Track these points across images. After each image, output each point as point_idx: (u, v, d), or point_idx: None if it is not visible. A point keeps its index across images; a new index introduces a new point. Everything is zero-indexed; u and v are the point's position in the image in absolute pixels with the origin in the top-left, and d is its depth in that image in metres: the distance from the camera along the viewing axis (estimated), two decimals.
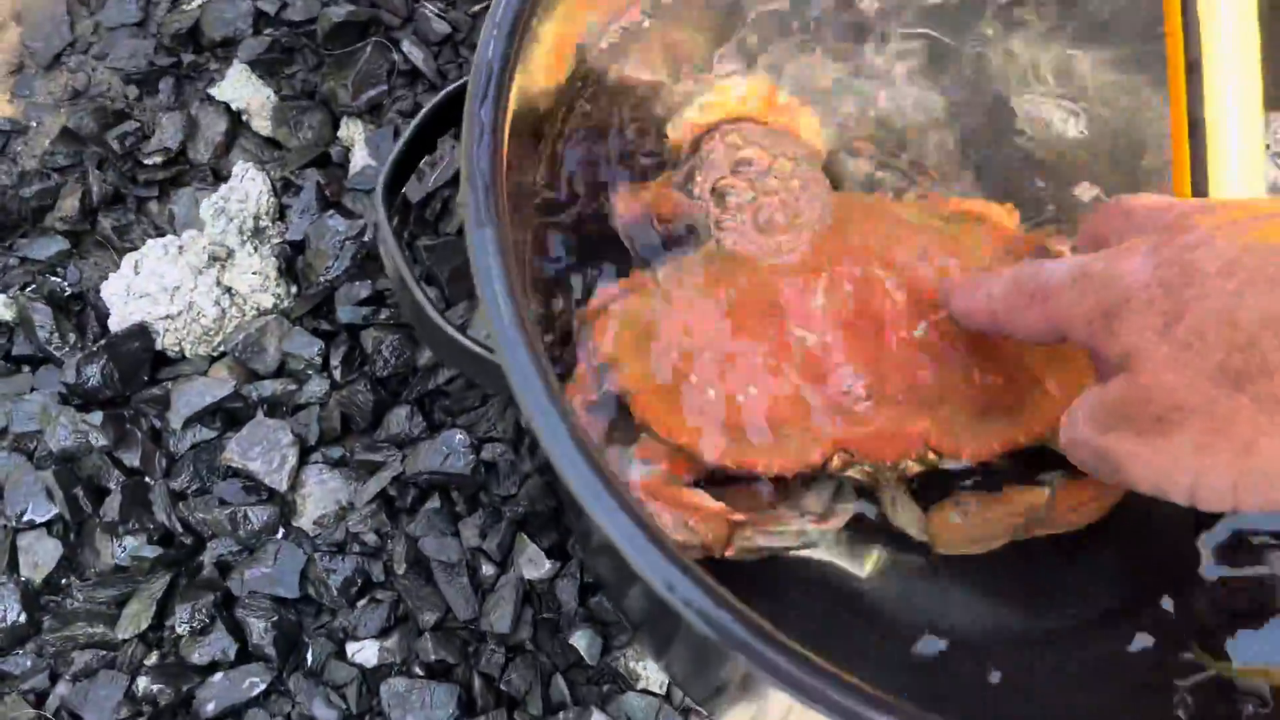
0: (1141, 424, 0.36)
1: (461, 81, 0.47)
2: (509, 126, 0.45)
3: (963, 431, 0.48)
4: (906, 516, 0.50)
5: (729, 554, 0.48)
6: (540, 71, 0.51)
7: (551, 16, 0.48)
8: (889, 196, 0.56)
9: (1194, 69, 0.47)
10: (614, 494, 0.38)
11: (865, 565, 0.51)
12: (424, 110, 0.48)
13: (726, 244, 0.51)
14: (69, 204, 0.77)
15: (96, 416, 0.69)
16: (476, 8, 0.82)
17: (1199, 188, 0.47)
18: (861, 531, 0.51)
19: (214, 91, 0.80)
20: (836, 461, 0.48)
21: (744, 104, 0.56)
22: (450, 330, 0.46)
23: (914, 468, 0.48)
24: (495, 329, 0.40)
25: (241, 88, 0.80)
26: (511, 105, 0.45)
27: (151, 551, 0.67)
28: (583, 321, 0.52)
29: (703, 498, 0.48)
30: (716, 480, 0.49)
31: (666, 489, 0.48)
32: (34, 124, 0.80)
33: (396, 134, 0.78)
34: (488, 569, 0.66)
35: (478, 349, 0.46)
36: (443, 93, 0.49)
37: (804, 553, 0.50)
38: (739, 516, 0.47)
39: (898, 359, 0.48)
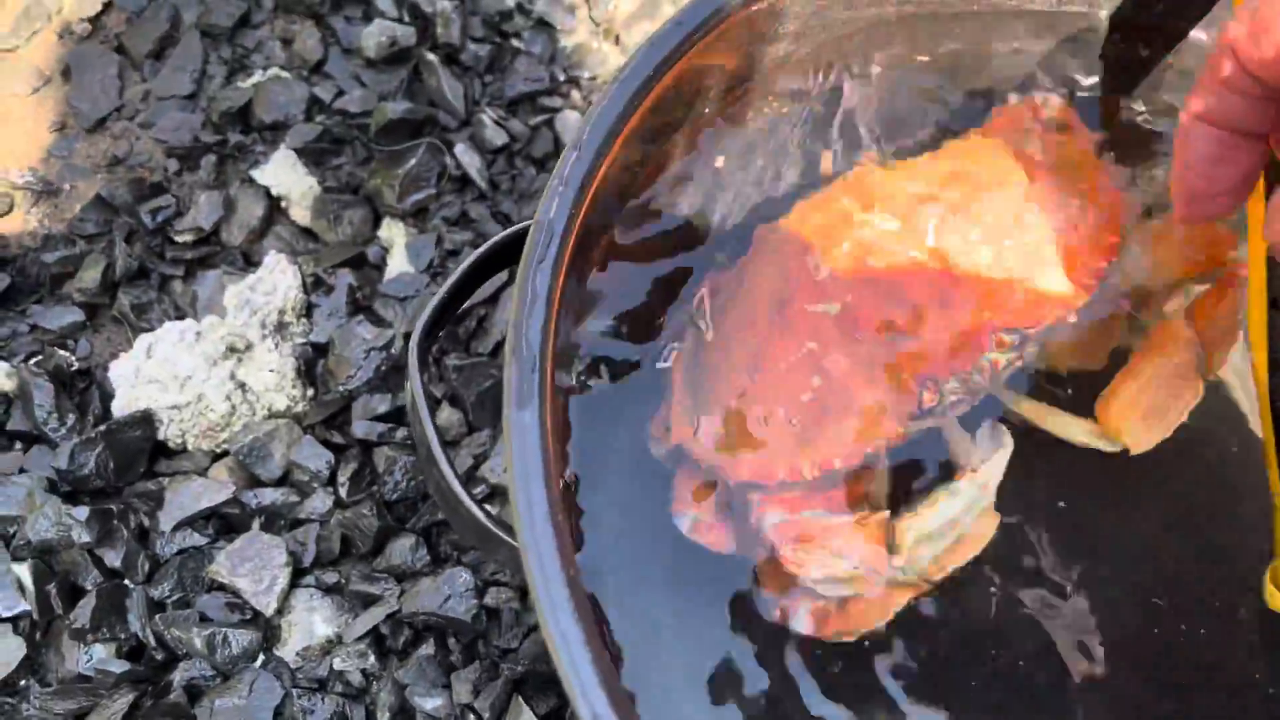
0: None
1: (512, 230, 0.43)
2: (564, 295, 0.41)
3: (1022, 303, 0.47)
4: (1076, 428, 0.48)
5: (901, 562, 0.45)
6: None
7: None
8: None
9: None
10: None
11: None
12: (470, 259, 0.44)
13: None
14: (90, 275, 0.73)
15: (82, 511, 0.64)
16: (537, 119, 0.80)
17: None
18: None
19: (256, 174, 0.77)
20: (927, 395, 0.47)
21: None
22: (472, 507, 0.42)
23: (1000, 359, 0.48)
24: (523, 533, 0.36)
25: (285, 174, 0.77)
26: (567, 272, 0.41)
27: (118, 666, 0.62)
28: (658, 434, 0.50)
29: (836, 516, 0.46)
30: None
31: (796, 528, 0.46)
32: (67, 186, 0.77)
33: (439, 241, 0.75)
34: None
35: (505, 536, 0.41)
36: (492, 240, 0.45)
37: None
38: (882, 514, 0.46)
39: (920, 277, 0.48)
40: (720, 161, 0.55)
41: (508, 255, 0.45)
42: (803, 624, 0.46)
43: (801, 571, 0.46)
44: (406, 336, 0.71)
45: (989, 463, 0.47)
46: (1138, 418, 0.48)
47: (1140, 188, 0.54)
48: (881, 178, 0.52)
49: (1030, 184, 0.51)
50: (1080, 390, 0.51)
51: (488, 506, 0.49)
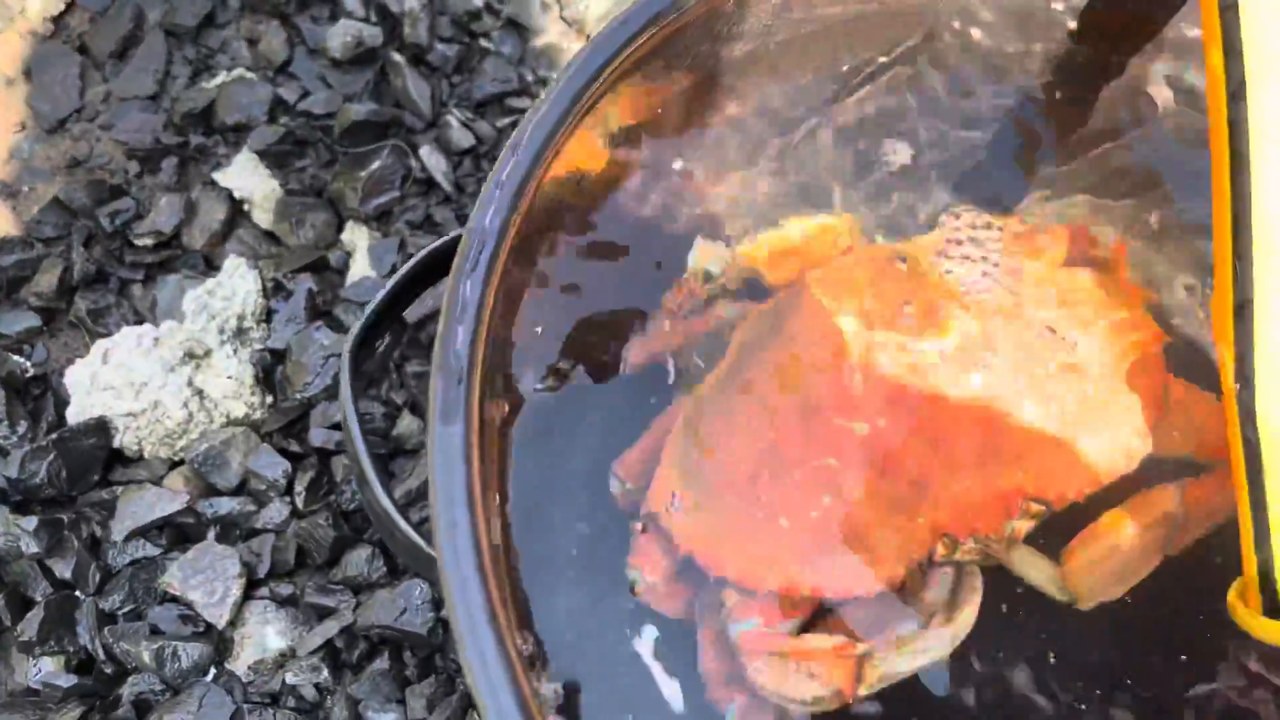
0: None
1: (452, 237, 0.42)
2: (495, 306, 0.39)
3: (1059, 470, 0.45)
4: (1038, 574, 0.46)
5: (863, 691, 0.43)
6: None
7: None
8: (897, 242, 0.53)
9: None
10: None
11: None
12: (405, 267, 0.43)
13: None
14: (47, 279, 0.72)
15: (31, 521, 0.63)
16: (505, 121, 0.78)
17: None
18: None
19: (218, 176, 0.76)
20: (941, 549, 0.44)
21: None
22: (403, 525, 0.40)
23: (1023, 526, 0.45)
24: (442, 548, 0.35)
25: (248, 176, 0.76)
26: (501, 282, 0.39)
27: (66, 680, 0.61)
28: (627, 479, 0.48)
29: (816, 640, 0.44)
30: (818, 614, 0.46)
31: (772, 642, 0.44)
32: (25, 189, 0.76)
33: (403, 245, 0.73)
34: None
35: (428, 550, 0.40)
36: (429, 248, 0.44)
37: None
38: (862, 647, 0.44)
39: (961, 420, 0.45)
40: (679, 165, 0.54)
41: (448, 263, 0.44)
42: (731, 716, 0.45)
43: (762, 682, 0.44)
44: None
45: (962, 614, 0.45)
46: (1097, 579, 0.46)
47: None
48: (940, 281, 0.49)
49: (1083, 333, 0.48)
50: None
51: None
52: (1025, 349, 0.47)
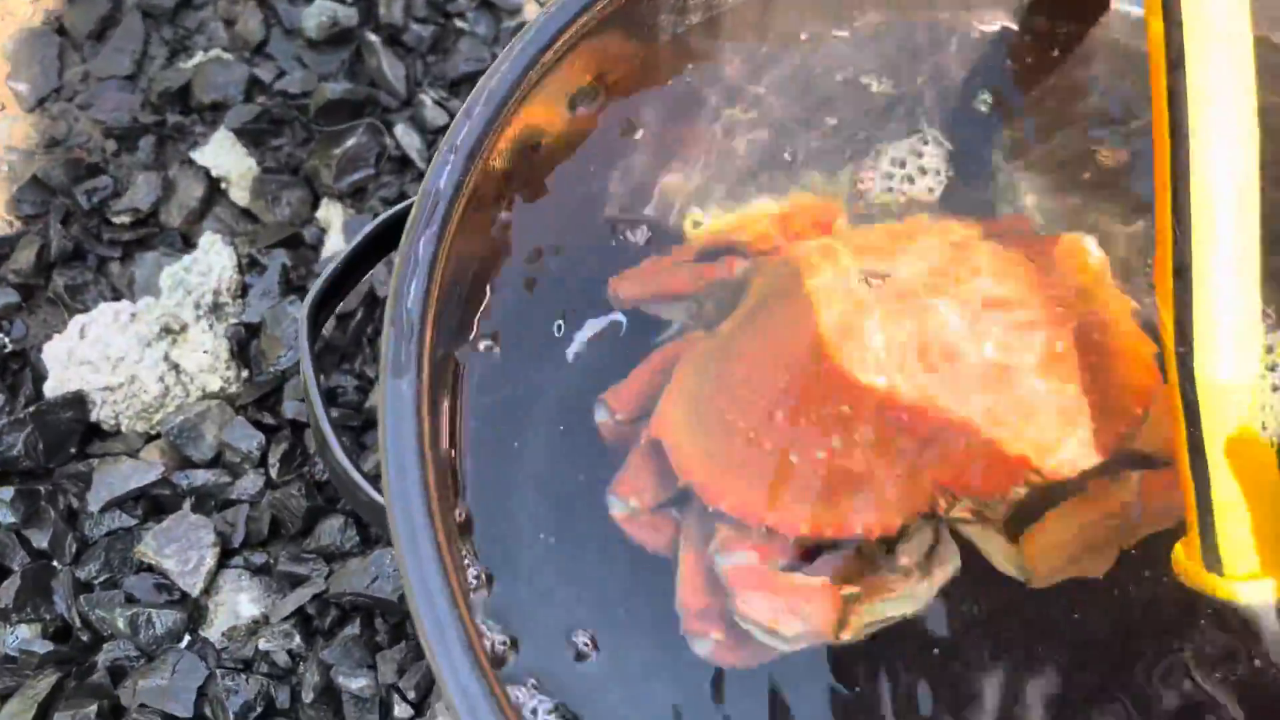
0: None
1: (406, 204, 0.42)
2: (448, 264, 0.40)
3: (1059, 446, 0.47)
4: (998, 550, 0.47)
5: (846, 635, 0.45)
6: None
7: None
8: (925, 218, 0.54)
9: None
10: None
11: None
12: (365, 230, 0.43)
13: None
14: (25, 256, 0.73)
15: (8, 491, 0.64)
16: None
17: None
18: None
19: (196, 155, 0.76)
20: (942, 504, 0.46)
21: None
22: (356, 476, 0.41)
23: (1019, 494, 0.47)
24: (393, 500, 0.35)
25: (225, 155, 0.77)
26: (455, 241, 0.40)
27: (42, 647, 0.62)
28: (618, 410, 0.49)
29: (804, 579, 0.45)
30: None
31: (762, 577, 0.45)
32: (4, 168, 0.77)
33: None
34: (402, 710, 0.61)
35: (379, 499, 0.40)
36: (389, 212, 0.44)
37: None
38: (850, 589, 0.45)
39: (975, 385, 0.46)
40: (640, 135, 0.55)
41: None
42: (705, 649, 0.46)
43: (750, 614, 0.45)
44: (340, 317, 0.71)
45: (940, 572, 0.47)
46: (1055, 561, 0.47)
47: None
48: (940, 257, 0.50)
49: (1075, 324, 0.49)
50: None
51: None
52: (1040, 327, 0.49)
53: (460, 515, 0.42)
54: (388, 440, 0.36)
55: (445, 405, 0.42)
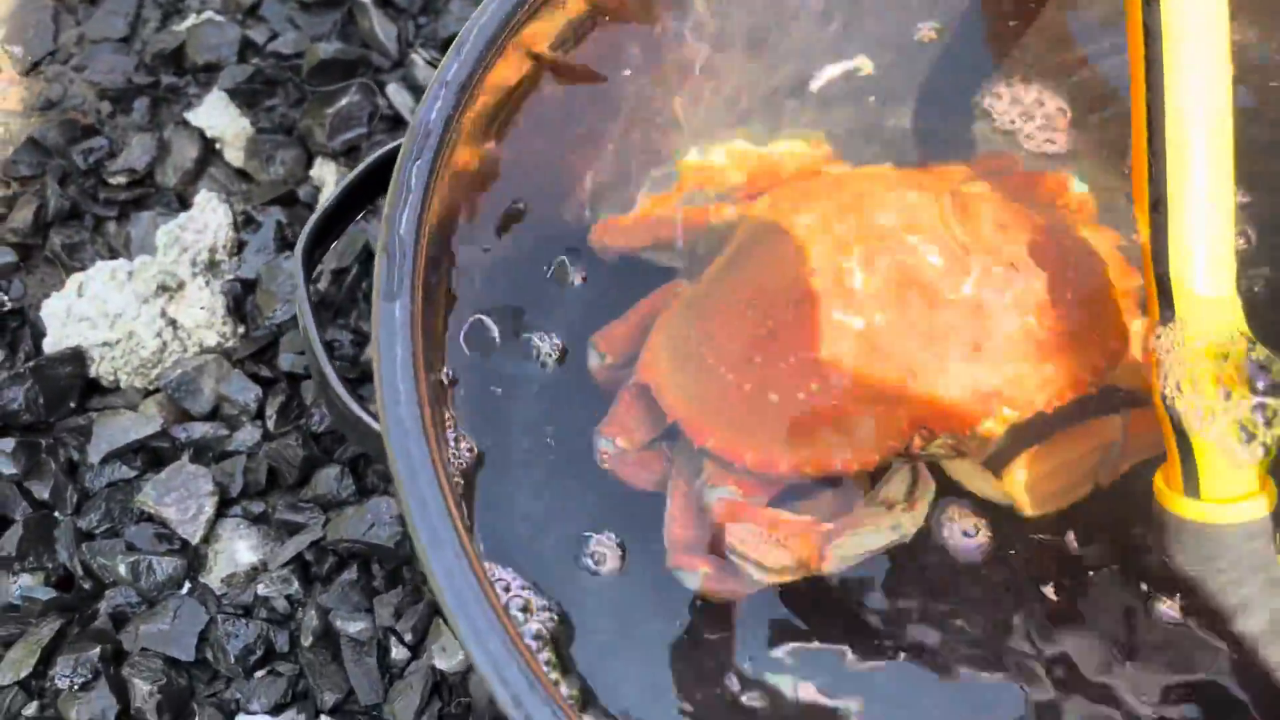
0: None
1: (398, 143, 0.43)
2: (441, 193, 0.41)
3: (1033, 381, 0.48)
4: (983, 485, 0.49)
5: (826, 567, 0.46)
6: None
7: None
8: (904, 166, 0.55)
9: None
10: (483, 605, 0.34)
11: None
12: (359, 168, 0.44)
13: None
14: (22, 215, 0.74)
15: (8, 443, 0.65)
16: None
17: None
18: None
19: (190, 116, 0.77)
20: (918, 441, 0.47)
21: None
22: (351, 402, 0.42)
23: (995, 430, 0.48)
24: (387, 417, 0.36)
25: (219, 115, 0.77)
26: (446, 171, 0.41)
27: (45, 594, 0.63)
28: (608, 353, 0.50)
29: (785, 514, 0.47)
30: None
31: (747, 511, 0.47)
32: (1, 130, 0.77)
33: None
34: (399, 652, 0.62)
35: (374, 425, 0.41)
36: (384, 149, 0.45)
37: None
38: (827, 526, 0.46)
39: (952, 323, 0.47)
40: (628, 74, 0.55)
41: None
42: (694, 582, 0.47)
43: (738, 546, 0.46)
44: (335, 273, 0.71)
45: (918, 508, 0.48)
46: (1044, 492, 0.49)
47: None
48: (919, 199, 0.51)
49: (1060, 261, 0.50)
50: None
51: None
52: (1018, 264, 0.50)
53: (451, 428, 0.43)
54: (381, 362, 0.37)
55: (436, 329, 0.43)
